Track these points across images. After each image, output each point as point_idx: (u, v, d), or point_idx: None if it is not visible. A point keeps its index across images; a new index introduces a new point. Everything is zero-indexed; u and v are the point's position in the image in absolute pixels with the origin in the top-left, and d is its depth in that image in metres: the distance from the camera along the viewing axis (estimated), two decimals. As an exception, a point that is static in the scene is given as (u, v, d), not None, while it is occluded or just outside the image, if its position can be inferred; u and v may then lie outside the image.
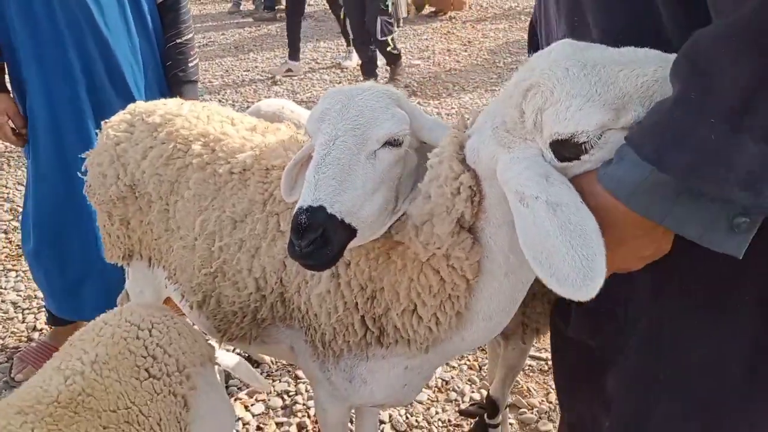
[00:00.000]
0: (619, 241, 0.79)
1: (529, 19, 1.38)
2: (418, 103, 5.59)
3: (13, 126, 2.10)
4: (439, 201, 0.95)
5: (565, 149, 0.79)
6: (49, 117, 2.03)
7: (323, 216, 0.92)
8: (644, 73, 0.75)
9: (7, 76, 2.09)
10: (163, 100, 1.57)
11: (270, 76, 6.50)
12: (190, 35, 2.23)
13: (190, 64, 2.23)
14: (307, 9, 9.51)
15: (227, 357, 1.59)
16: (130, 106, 1.58)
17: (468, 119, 0.99)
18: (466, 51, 7.33)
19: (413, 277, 1.05)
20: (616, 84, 0.75)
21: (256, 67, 6.86)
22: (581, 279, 0.74)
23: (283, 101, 2.66)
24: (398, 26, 6.30)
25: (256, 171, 1.25)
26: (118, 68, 2.05)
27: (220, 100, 5.86)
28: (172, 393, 1.21)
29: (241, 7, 9.86)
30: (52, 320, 2.50)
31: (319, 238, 0.92)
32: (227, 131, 1.36)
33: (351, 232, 0.97)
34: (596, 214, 0.77)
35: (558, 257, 0.75)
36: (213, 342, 1.49)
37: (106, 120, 1.57)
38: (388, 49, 5.88)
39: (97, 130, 1.59)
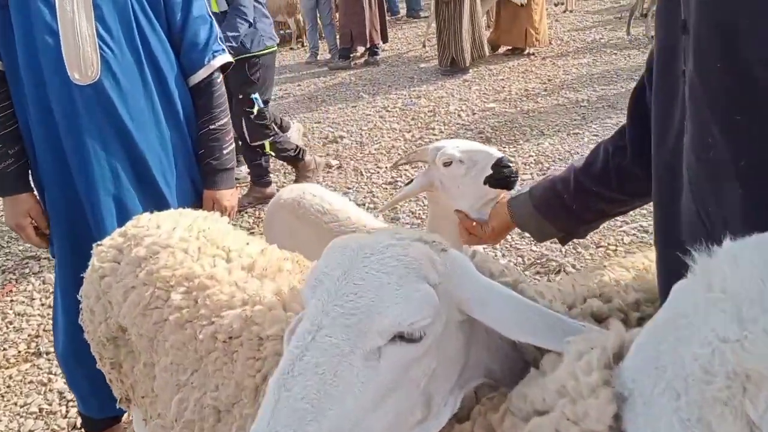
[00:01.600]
0: None
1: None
2: (494, 151, 5.18)
3: (37, 226, 1.94)
4: None
5: None
6: (66, 215, 1.85)
7: None
8: None
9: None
10: (159, 218, 1.31)
11: (334, 131, 6.35)
12: (225, 119, 2.01)
13: (225, 151, 2.01)
14: (381, 54, 9.49)
15: None
16: (128, 225, 1.33)
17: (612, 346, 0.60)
18: (545, 90, 6.84)
19: None
20: None
21: (327, 117, 6.76)
22: None
23: (306, 186, 2.41)
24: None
25: (246, 341, 0.92)
26: (143, 162, 1.85)
27: (288, 155, 5.75)
28: None
29: (318, 57, 9.98)
30: (87, 425, 2.31)
31: None
32: (217, 273, 1.05)
33: None
34: None
35: None
36: None
37: (99, 242, 1.32)
38: (266, 151, 4.51)
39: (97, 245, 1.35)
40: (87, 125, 1.73)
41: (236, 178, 2.27)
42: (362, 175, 5.02)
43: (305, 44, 10.87)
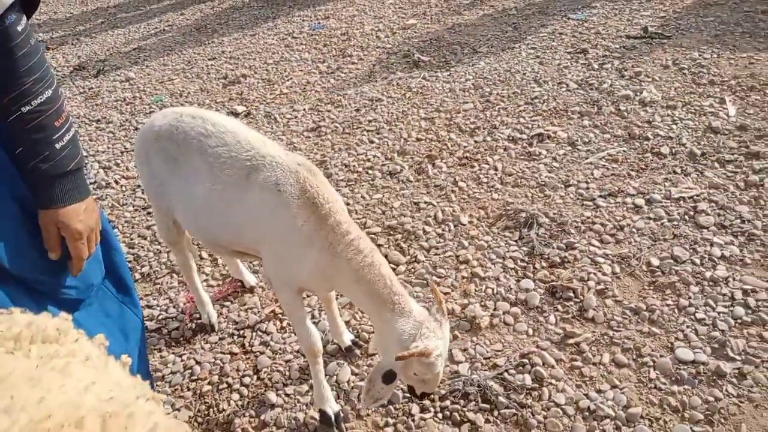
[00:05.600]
0: None
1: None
2: (424, 77, 4.52)
3: None
4: None
5: None
6: None
7: None
8: None
9: None
10: None
11: (235, 68, 5.38)
12: (48, 92, 1.23)
13: (59, 144, 1.25)
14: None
15: None
16: None
17: None
18: (467, -1, 6.15)
19: None
20: None
21: (223, 52, 5.74)
22: None
23: (181, 108, 1.95)
24: None
25: None
26: None
27: (182, 104, 4.79)
28: None
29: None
30: None
31: None
32: None
33: None
34: None
35: None
36: None
37: None
38: None
39: None
40: None
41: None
42: (277, 121, 4.23)
43: (183, -37, 9.30)
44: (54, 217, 1.32)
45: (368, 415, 2.05)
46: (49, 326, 0.80)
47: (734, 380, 1.97)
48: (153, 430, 0.62)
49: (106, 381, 0.74)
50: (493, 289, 2.48)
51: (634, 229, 2.68)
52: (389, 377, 1.64)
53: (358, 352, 2.27)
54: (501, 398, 2.01)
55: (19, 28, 1.21)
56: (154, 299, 2.73)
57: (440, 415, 2.00)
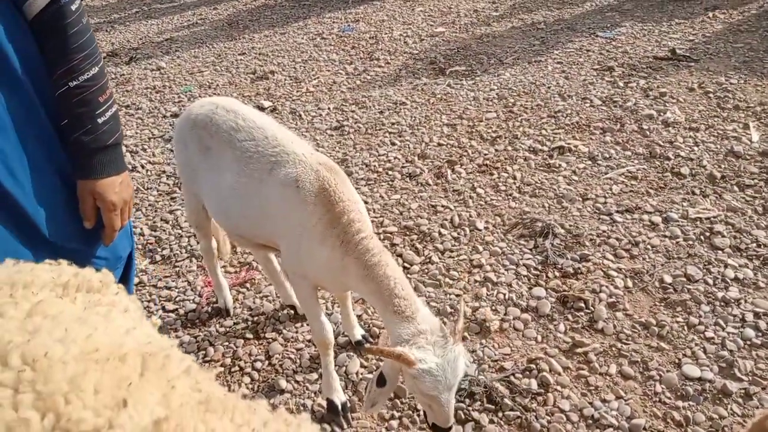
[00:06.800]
0: None
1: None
2: (449, 85, 4.57)
3: None
4: None
5: None
6: None
7: None
8: None
9: None
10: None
11: (263, 64, 5.48)
12: (95, 69, 1.31)
13: (101, 120, 1.33)
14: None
15: None
16: None
17: None
18: (496, 11, 6.20)
19: None
20: None
21: (253, 48, 5.85)
22: None
23: (219, 99, 2.03)
24: None
25: None
26: None
27: (210, 96, 4.89)
28: None
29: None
30: None
31: None
32: None
33: None
34: None
35: None
36: None
37: None
38: None
39: None
40: None
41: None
42: (302, 118, 4.30)
43: (219, -41, 9.47)
44: (91, 188, 1.39)
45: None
46: (94, 278, 0.86)
47: (740, 400, 1.98)
48: (188, 370, 0.68)
49: (143, 330, 0.80)
50: (504, 295, 2.51)
51: (649, 246, 2.70)
52: (380, 381, 1.63)
53: (367, 346, 2.31)
54: (506, 400, 2.04)
55: (73, 7, 1.29)
56: (173, 281, 2.81)
57: (445, 412, 2.04)
